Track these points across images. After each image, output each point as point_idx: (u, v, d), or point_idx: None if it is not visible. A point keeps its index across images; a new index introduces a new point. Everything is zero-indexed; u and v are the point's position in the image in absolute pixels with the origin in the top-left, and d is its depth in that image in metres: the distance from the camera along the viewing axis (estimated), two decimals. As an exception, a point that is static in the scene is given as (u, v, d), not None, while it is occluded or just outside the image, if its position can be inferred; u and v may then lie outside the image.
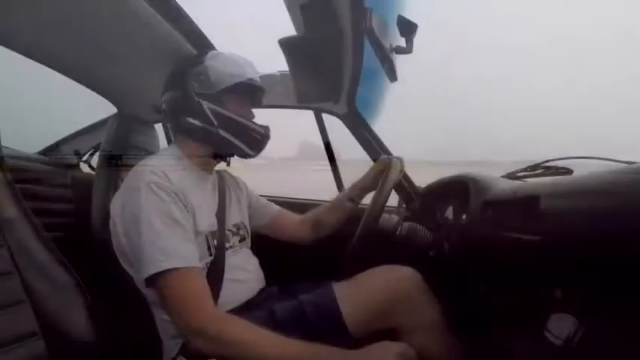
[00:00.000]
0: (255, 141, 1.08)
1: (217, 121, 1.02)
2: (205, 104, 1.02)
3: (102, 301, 0.80)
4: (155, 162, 0.98)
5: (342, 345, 0.82)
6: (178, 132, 1.10)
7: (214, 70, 1.03)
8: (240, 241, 1.14)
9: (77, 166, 1.91)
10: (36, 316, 0.64)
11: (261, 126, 1.08)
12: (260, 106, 1.18)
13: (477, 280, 0.90)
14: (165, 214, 0.86)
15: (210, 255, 0.99)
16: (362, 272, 1.03)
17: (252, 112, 1.12)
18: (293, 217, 1.38)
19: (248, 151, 1.08)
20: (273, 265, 1.23)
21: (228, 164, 1.27)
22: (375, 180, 1.20)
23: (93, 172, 1.78)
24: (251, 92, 1.12)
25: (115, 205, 0.95)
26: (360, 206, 1.30)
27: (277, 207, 1.38)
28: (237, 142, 1.05)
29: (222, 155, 1.14)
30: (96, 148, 1.88)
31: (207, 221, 1.01)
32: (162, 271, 0.82)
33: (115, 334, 0.76)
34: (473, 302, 0.93)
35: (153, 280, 0.84)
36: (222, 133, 1.03)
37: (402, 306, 0.96)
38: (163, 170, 0.92)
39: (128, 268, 0.96)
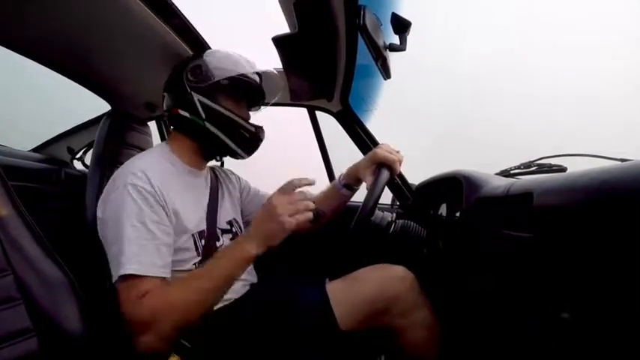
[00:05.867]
0: (245, 140, 1.07)
1: (205, 113, 1.01)
2: (196, 96, 1.01)
3: (95, 298, 0.80)
4: (140, 161, 0.96)
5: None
6: (171, 125, 1.10)
7: (209, 64, 1.02)
8: (231, 239, 1.12)
9: (70, 163, 1.91)
10: (29, 314, 0.64)
11: (252, 125, 1.07)
12: (259, 108, 1.19)
13: (471, 278, 0.90)
14: (136, 218, 0.85)
15: (199, 255, 0.98)
16: (355, 270, 1.03)
17: (248, 114, 1.11)
18: None
19: (238, 150, 1.07)
20: (266, 261, 1.24)
21: (222, 164, 1.26)
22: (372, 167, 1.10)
23: (86, 170, 1.77)
24: (247, 91, 1.11)
25: (100, 204, 0.95)
26: (354, 204, 1.30)
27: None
28: (225, 139, 1.04)
29: (212, 153, 1.13)
30: (89, 146, 1.87)
31: (195, 221, 1.00)
32: (122, 275, 0.81)
33: (108, 331, 0.76)
34: (466, 300, 0.94)
35: (116, 282, 0.83)
36: (210, 127, 1.02)
37: (394, 305, 0.96)
38: (144, 171, 0.90)
39: None
